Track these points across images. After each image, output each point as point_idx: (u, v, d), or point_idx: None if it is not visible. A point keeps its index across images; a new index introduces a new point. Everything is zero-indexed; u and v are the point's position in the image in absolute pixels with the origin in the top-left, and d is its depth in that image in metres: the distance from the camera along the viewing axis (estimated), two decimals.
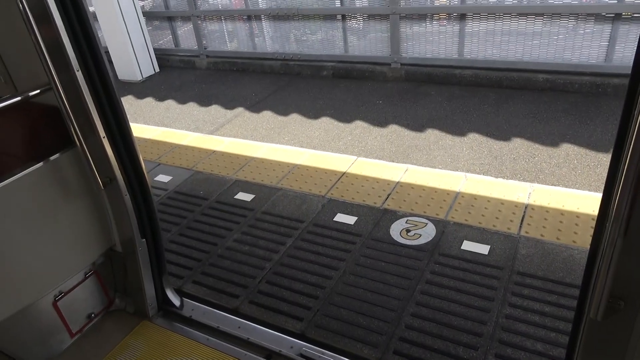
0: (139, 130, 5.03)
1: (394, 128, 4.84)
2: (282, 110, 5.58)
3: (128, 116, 2.14)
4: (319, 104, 5.62)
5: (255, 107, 5.78)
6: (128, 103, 6.43)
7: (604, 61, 5.02)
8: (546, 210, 3.12)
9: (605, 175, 3.97)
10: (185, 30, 7.70)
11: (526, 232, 2.94)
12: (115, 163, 2.14)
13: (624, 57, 4.91)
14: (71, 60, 1.88)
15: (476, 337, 2.30)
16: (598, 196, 3.25)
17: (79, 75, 1.92)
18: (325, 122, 5.16)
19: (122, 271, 2.53)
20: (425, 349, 2.27)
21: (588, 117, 4.56)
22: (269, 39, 6.97)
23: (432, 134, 4.62)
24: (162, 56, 7.69)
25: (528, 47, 5.31)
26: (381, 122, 4.98)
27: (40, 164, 2.03)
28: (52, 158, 2.08)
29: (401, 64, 6.02)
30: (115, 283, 2.61)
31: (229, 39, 7.35)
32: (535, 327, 2.31)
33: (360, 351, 2.29)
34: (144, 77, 7.30)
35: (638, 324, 1.23)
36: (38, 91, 1.94)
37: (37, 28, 1.75)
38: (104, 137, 2.07)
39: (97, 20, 6.98)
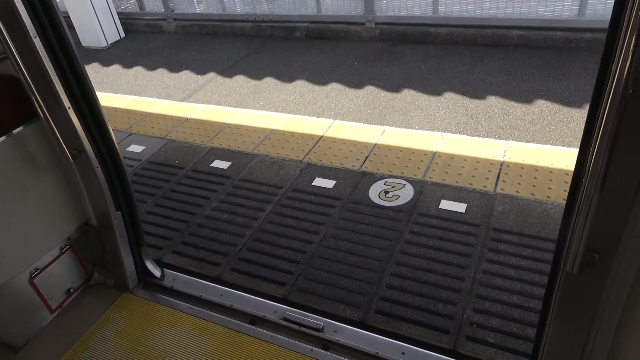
0: (107, 99, 4.85)
1: (370, 89, 4.78)
2: (256, 74, 5.45)
3: (94, 85, 2.05)
4: (293, 67, 5.50)
5: (227, 71, 5.62)
6: (94, 71, 6.17)
7: (577, 15, 5.01)
8: (521, 167, 3.17)
9: (578, 130, 4.01)
10: None
11: (502, 189, 2.99)
12: (84, 134, 2.06)
13: (596, 11, 4.92)
14: (27, 26, 1.77)
15: (455, 293, 2.36)
16: (571, 151, 3.31)
17: (37, 42, 1.81)
18: (300, 85, 5.07)
19: (99, 245, 2.49)
20: (406, 307, 2.33)
21: (561, 73, 4.59)
22: (238, 0, 6.72)
23: (408, 95, 4.59)
24: (127, 20, 7.35)
25: (502, 2, 5.26)
26: (357, 84, 4.92)
27: (3, 138, 1.94)
28: (15, 132, 1.98)
29: (375, 23, 5.90)
30: (93, 257, 2.57)
31: (197, 0, 7.05)
32: (511, 280, 2.39)
33: (342, 312, 2.34)
34: (108, 43, 6.99)
35: (611, 275, 1.27)
36: None
37: None
38: (69, 108, 1.98)
39: None
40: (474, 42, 5.38)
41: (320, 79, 5.12)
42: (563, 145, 3.54)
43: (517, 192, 2.95)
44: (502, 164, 3.22)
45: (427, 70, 5.00)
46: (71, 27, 6.84)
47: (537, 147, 3.38)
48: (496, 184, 3.04)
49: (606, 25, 1.07)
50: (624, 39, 0.93)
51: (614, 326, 1.36)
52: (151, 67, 6.07)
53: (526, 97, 4.27)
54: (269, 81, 5.24)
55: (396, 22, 5.82)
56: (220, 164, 3.57)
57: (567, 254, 1.28)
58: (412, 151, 3.46)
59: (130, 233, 2.42)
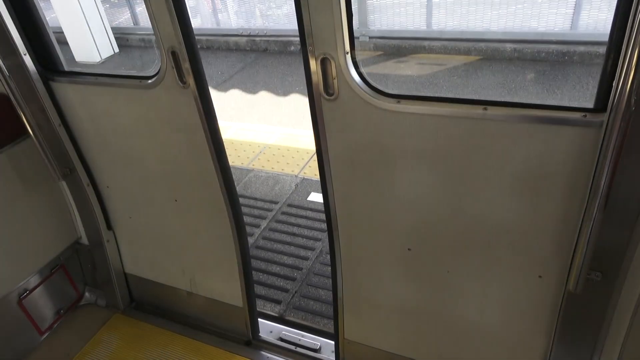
0: None
1: None
2: (250, 88, 5.44)
3: None
4: (287, 81, 5.50)
5: (222, 85, 5.61)
6: None
7: (569, 29, 5.05)
8: None
9: None
10: (144, 8, 7.35)
11: None
12: (75, 153, 2.02)
13: (588, 25, 4.95)
14: (17, 44, 1.74)
15: None
16: None
17: (27, 59, 1.79)
18: (295, 99, 5.06)
19: (90, 264, 2.43)
20: None
21: (555, 85, 4.60)
22: (233, 14, 6.75)
23: None
24: (121, 35, 7.35)
25: (495, 16, 5.30)
26: None
27: None
28: (5, 149, 1.95)
29: (369, 37, 5.92)
30: (84, 276, 2.51)
31: (192, 15, 7.07)
32: None
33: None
34: (102, 58, 6.97)
35: (615, 295, 1.24)
36: None
37: None
38: (59, 126, 1.95)
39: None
40: (468, 55, 5.40)
41: None
42: None
43: None
44: None
45: (421, 84, 5.00)
46: (65, 42, 6.83)
47: None
48: None
49: (598, 39, 1.04)
50: (625, 56, 0.91)
51: (618, 348, 1.33)
52: None
53: None
54: (264, 95, 5.23)
55: (390, 36, 5.84)
56: None
57: (569, 273, 1.24)
58: None
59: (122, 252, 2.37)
